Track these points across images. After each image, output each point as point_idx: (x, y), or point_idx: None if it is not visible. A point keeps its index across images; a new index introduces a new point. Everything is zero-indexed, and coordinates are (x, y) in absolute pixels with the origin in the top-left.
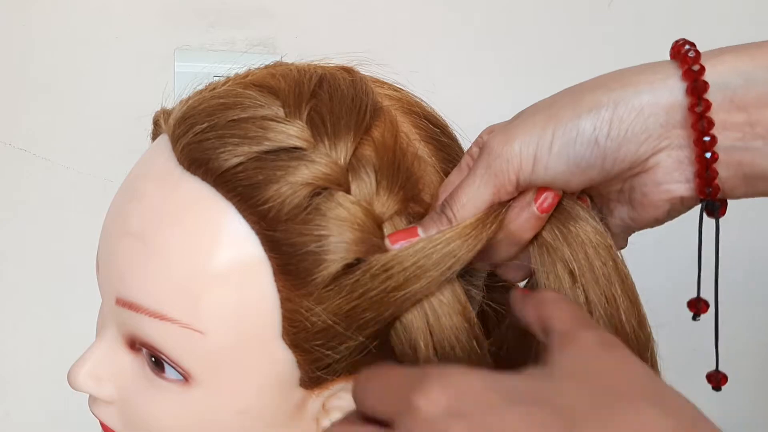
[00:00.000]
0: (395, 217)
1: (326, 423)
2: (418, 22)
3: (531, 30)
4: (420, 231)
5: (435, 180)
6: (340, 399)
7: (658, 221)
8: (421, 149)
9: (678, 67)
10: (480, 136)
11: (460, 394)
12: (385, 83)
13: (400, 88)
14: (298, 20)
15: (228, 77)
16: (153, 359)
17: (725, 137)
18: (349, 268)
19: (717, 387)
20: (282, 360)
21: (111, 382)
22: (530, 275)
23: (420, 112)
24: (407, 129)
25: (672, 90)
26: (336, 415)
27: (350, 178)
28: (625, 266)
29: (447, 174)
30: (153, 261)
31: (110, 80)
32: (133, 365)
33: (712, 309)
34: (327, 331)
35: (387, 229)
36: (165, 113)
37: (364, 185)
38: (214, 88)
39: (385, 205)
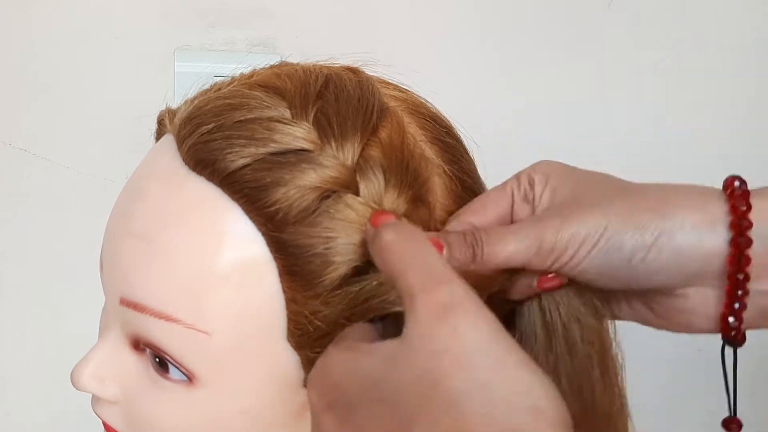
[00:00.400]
0: (404, 217)
1: None
2: (418, 22)
3: (531, 30)
4: (445, 250)
5: (440, 181)
6: None
7: (670, 331)
8: (428, 150)
9: (726, 213)
10: (534, 170)
11: (327, 387)
12: (391, 84)
13: (406, 89)
14: (298, 20)
15: (233, 77)
16: (157, 359)
17: (757, 284)
18: (356, 272)
19: None
20: (286, 361)
21: (114, 382)
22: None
23: (425, 113)
24: (413, 130)
25: (716, 235)
26: None
27: (358, 179)
28: (612, 354)
29: (452, 176)
30: (157, 261)
31: (110, 80)
32: (137, 366)
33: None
34: (331, 335)
35: None
36: (170, 113)
37: (373, 186)
38: (219, 89)
39: (394, 204)
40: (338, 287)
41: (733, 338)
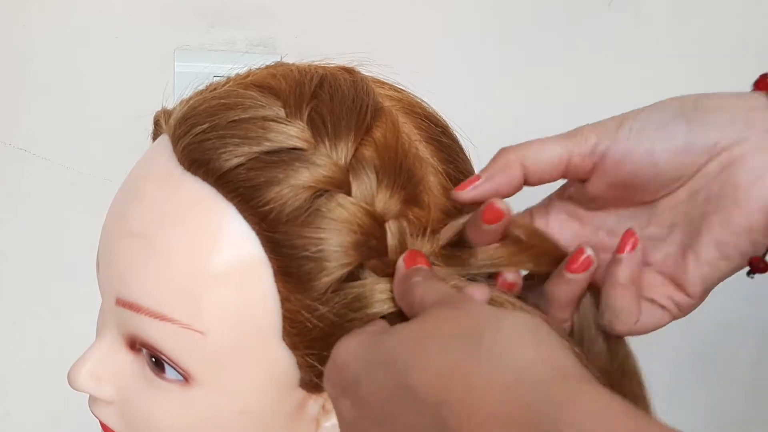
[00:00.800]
0: (397, 218)
1: (327, 424)
2: (418, 22)
3: (531, 30)
4: (481, 174)
5: (436, 181)
6: None
7: (751, 235)
8: (422, 150)
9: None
10: None
11: (336, 373)
12: (386, 84)
13: (401, 89)
14: (298, 20)
15: (229, 77)
16: (153, 359)
17: None
18: (351, 275)
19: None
20: (282, 361)
21: (111, 382)
22: None
23: (421, 113)
24: (408, 129)
25: (753, 96)
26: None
27: (351, 179)
28: None
29: (448, 175)
30: (154, 261)
31: (110, 80)
32: (134, 365)
33: None
34: (326, 338)
35: (390, 229)
36: (166, 113)
37: (365, 186)
38: (215, 89)
39: (386, 204)
40: (333, 290)
41: None
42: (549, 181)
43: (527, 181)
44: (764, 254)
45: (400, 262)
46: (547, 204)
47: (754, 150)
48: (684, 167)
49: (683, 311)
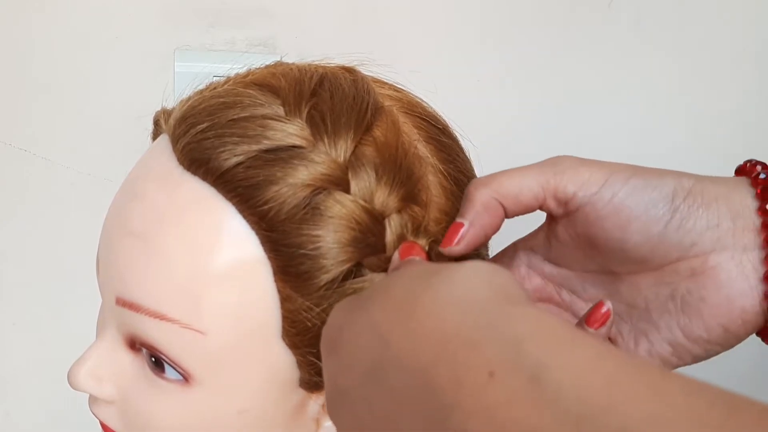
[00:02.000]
0: (395, 215)
1: (327, 423)
2: (418, 22)
3: (531, 30)
4: (459, 219)
5: (435, 180)
6: None
7: (707, 344)
8: (422, 149)
9: (746, 179)
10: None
11: (324, 336)
12: (386, 83)
13: (401, 89)
14: (298, 20)
15: (228, 77)
16: (153, 359)
17: None
18: (350, 273)
19: None
20: (282, 360)
21: (111, 381)
22: None
23: (421, 113)
24: (408, 129)
25: (742, 193)
26: None
27: (350, 177)
28: None
29: (448, 175)
30: (153, 261)
31: (110, 80)
32: (134, 365)
33: None
34: None
35: (389, 226)
36: (165, 113)
37: (364, 183)
38: (214, 88)
39: (385, 202)
40: (332, 288)
41: None
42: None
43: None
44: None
45: (395, 255)
46: (511, 254)
47: (729, 265)
48: (654, 257)
49: None
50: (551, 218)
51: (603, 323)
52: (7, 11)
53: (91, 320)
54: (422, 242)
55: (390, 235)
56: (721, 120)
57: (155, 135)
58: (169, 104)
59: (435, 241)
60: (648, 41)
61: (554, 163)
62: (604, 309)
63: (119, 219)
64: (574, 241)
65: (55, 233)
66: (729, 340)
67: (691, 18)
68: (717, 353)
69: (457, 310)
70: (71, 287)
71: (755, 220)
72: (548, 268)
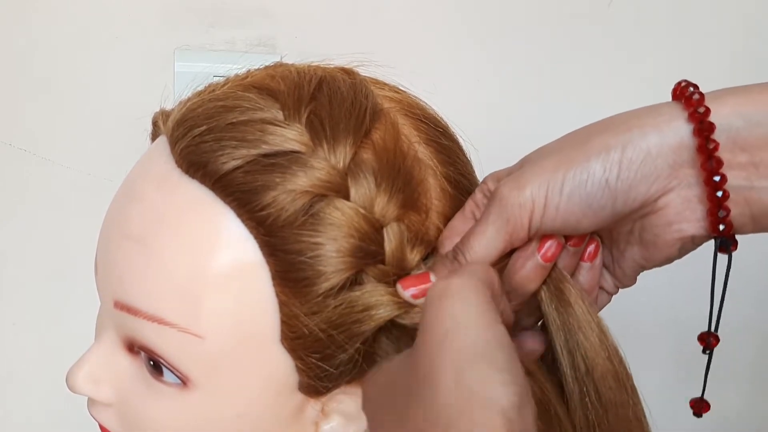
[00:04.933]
0: (394, 224)
1: (326, 427)
2: (419, 22)
3: (531, 30)
4: (432, 277)
5: (435, 183)
6: (339, 402)
7: (669, 260)
8: (422, 151)
9: (683, 109)
10: (484, 182)
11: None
12: (386, 84)
13: (401, 90)
14: (298, 20)
15: (228, 78)
16: (151, 362)
17: (731, 177)
18: (350, 281)
19: (698, 414)
20: (281, 364)
21: (109, 384)
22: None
23: (420, 114)
24: (408, 131)
25: (678, 131)
26: (335, 419)
27: (349, 183)
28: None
29: (448, 177)
30: (152, 264)
31: (110, 80)
32: (132, 368)
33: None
34: (325, 344)
35: (387, 235)
36: (164, 114)
37: (363, 190)
38: (213, 90)
39: (384, 209)
40: (331, 295)
41: (724, 233)
42: None
43: None
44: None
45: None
46: None
47: (675, 202)
48: (612, 223)
49: (618, 290)
50: None
51: (595, 256)
52: (7, 11)
53: (90, 320)
54: (419, 252)
55: (389, 244)
56: None
57: (154, 136)
58: (169, 104)
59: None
60: (648, 41)
61: (500, 211)
62: (592, 246)
63: (117, 221)
64: None
65: (55, 233)
66: (684, 254)
67: (690, 17)
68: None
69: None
70: (71, 287)
71: (691, 152)
72: None
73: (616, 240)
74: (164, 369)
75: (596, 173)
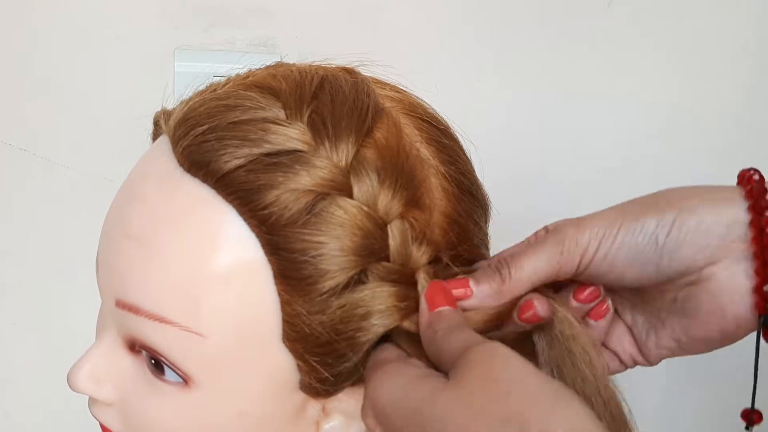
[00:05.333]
0: (398, 221)
1: (326, 426)
2: (419, 22)
3: (532, 30)
4: (472, 284)
5: (437, 182)
6: (340, 402)
7: (708, 341)
8: (423, 151)
9: (742, 191)
10: (545, 227)
11: (378, 413)
12: (387, 84)
13: (402, 90)
14: (298, 20)
15: (229, 78)
16: (153, 361)
17: None
18: (354, 281)
19: (750, 425)
20: (282, 363)
21: (110, 383)
22: None
23: (422, 114)
24: (409, 131)
25: (734, 208)
26: (336, 418)
27: (352, 181)
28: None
29: (449, 176)
30: (153, 263)
31: (110, 80)
32: (133, 367)
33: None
34: (327, 343)
35: (391, 232)
36: (165, 114)
37: (366, 187)
38: (215, 89)
39: (388, 206)
40: (334, 294)
41: None
42: None
43: None
44: None
45: (423, 305)
46: None
47: (721, 276)
48: (654, 284)
49: (636, 365)
50: None
51: (602, 317)
52: (7, 11)
53: (91, 320)
54: (425, 252)
55: (393, 242)
56: (720, 118)
57: (155, 136)
58: (169, 104)
59: (439, 250)
60: (647, 40)
61: (558, 241)
62: (604, 306)
63: (119, 221)
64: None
65: (55, 233)
66: (726, 340)
67: (690, 17)
68: (718, 348)
69: None
70: (71, 287)
71: (746, 232)
72: None
73: (660, 308)
74: (166, 368)
75: (649, 228)
